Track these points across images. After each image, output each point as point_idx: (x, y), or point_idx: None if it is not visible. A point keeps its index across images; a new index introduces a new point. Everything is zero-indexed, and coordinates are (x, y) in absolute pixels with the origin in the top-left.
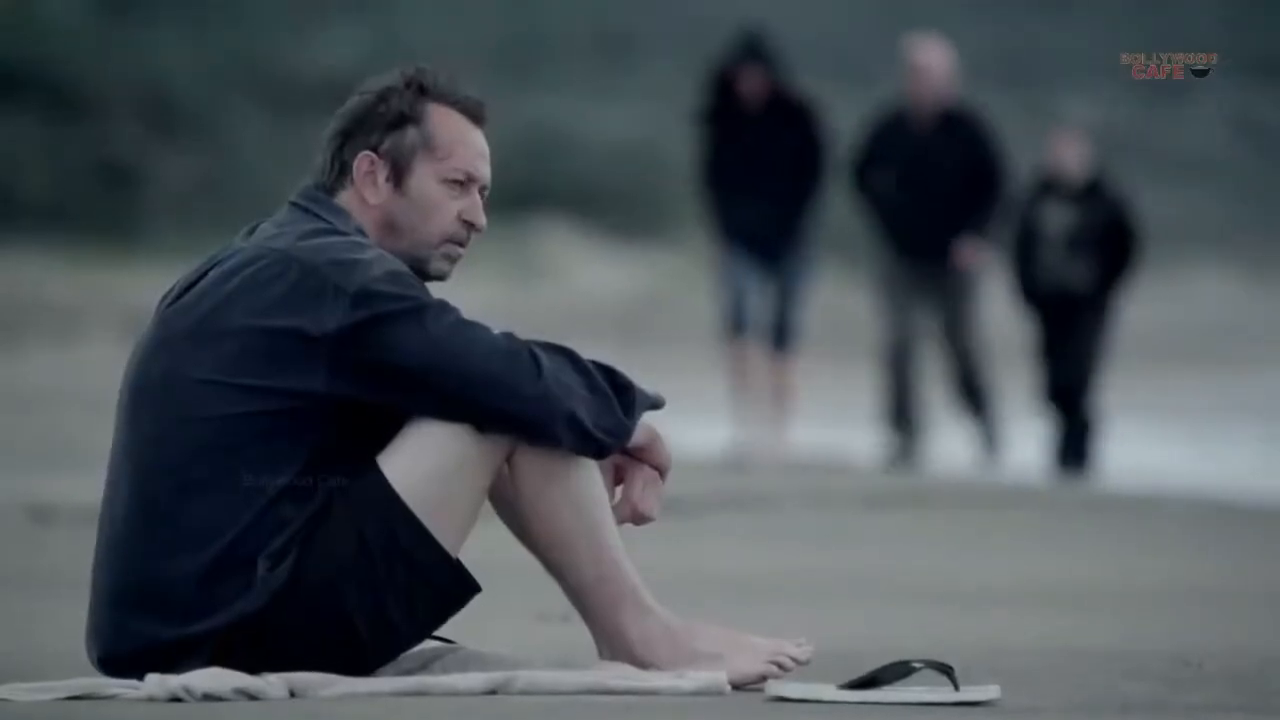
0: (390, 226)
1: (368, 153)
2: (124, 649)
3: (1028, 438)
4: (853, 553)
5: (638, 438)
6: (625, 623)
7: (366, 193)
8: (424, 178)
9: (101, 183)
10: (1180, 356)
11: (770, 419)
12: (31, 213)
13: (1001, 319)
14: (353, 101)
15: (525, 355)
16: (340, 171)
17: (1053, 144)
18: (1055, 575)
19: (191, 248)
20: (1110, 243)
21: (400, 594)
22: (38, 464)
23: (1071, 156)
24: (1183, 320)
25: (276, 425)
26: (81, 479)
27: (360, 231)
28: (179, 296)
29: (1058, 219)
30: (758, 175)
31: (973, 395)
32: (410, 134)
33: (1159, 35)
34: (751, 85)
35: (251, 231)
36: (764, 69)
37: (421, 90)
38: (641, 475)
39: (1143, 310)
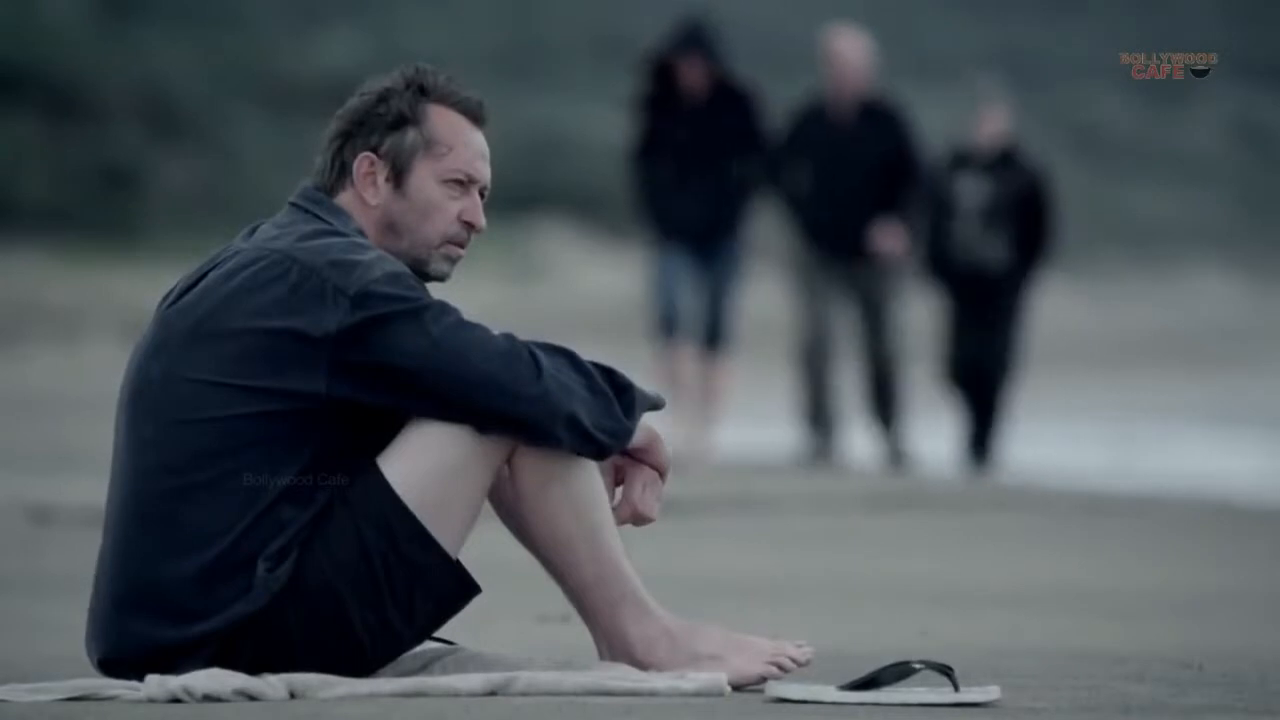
0: (390, 227)
1: (368, 154)
2: (124, 650)
3: (936, 434)
4: (851, 555)
5: (638, 439)
6: (625, 624)
7: (366, 193)
8: (424, 178)
9: (102, 185)
10: (1179, 358)
11: (698, 421)
12: (31, 214)
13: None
14: (353, 102)
15: (525, 356)
16: (340, 172)
17: (977, 116)
18: (1055, 577)
19: (191, 249)
20: (1026, 217)
21: (400, 595)
22: (37, 466)
23: (987, 127)
24: (1182, 322)
25: (276, 427)
26: (81, 481)
27: (360, 232)
28: (179, 298)
29: (972, 191)
30: (695, 168)
31: (885, 406)
32: (410, 135)
33: (1159, 37)
34: (693, 74)
35: (252, 233)
36: (706, 57)
37: (421, 91)
38: (641, 476)
39: (1142, 312)
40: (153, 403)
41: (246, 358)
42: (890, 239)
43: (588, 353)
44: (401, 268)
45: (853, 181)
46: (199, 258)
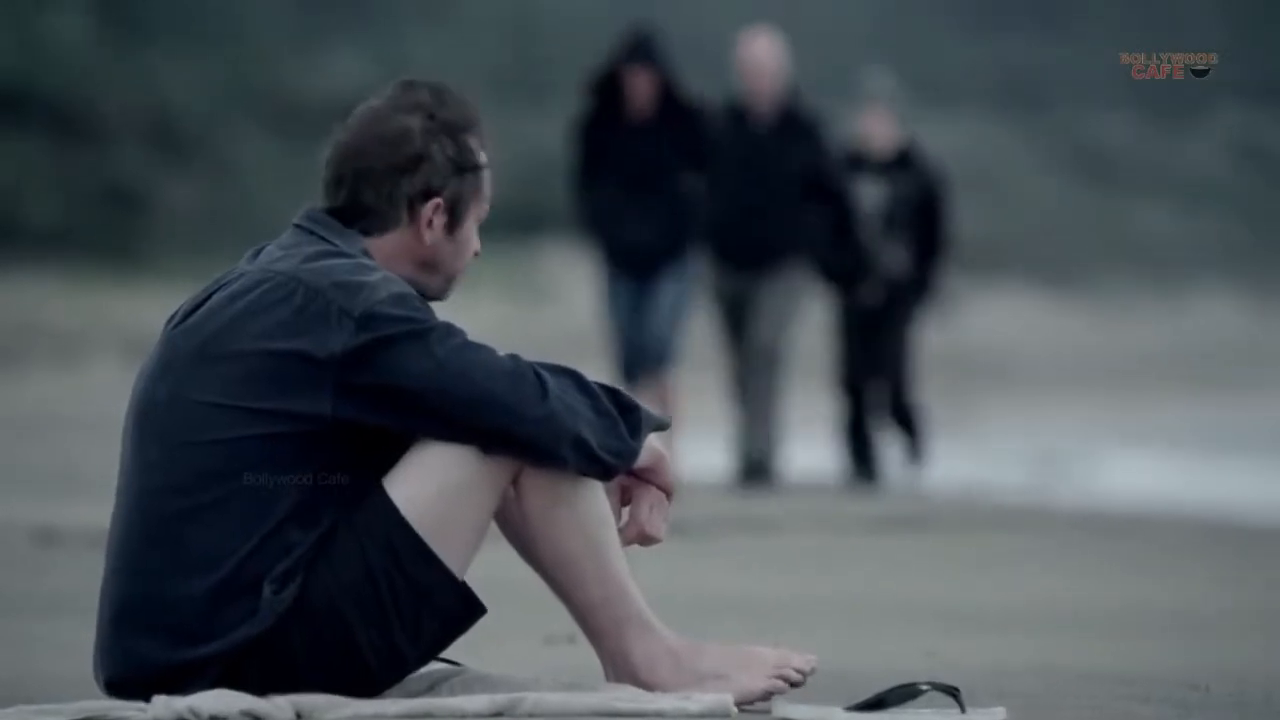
0: (429, 264)
1: (438, 200)
2: (130, 671)
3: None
4: (856, 575)
5: (644, 459)
6: (630, 644)
7: (424, 234)
8: (469, 223)
9: (106, 206)
10: (1183, 379)
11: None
12: (36, 235)
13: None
14: (390, 131)
15: (531, 377)
16: (392, 207)
17: (861, 116)
18: (1059, 597)
19: (196, 271)
20: (925, 221)
21: (406, 616)
22: (41, 487)
23: (877, 129)
24: (1186, 342)
25: (282, 448)
26: (85, 502)
27: (365, 253)
28: (184, 319)
29: (869, 195)
30: (642, 188)
31: (751, 402)
32: (469, 180)
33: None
34: (639, 85)
35: (257, 254)
36: (652, 68)
37: (458, 127)
38: (648, 497)
39: (1146, 332)
40: (158, 424)
41: (252, 379)
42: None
43: (592, 375)
44: (407, 289)
45: (768, 190)
46: (203, 279)
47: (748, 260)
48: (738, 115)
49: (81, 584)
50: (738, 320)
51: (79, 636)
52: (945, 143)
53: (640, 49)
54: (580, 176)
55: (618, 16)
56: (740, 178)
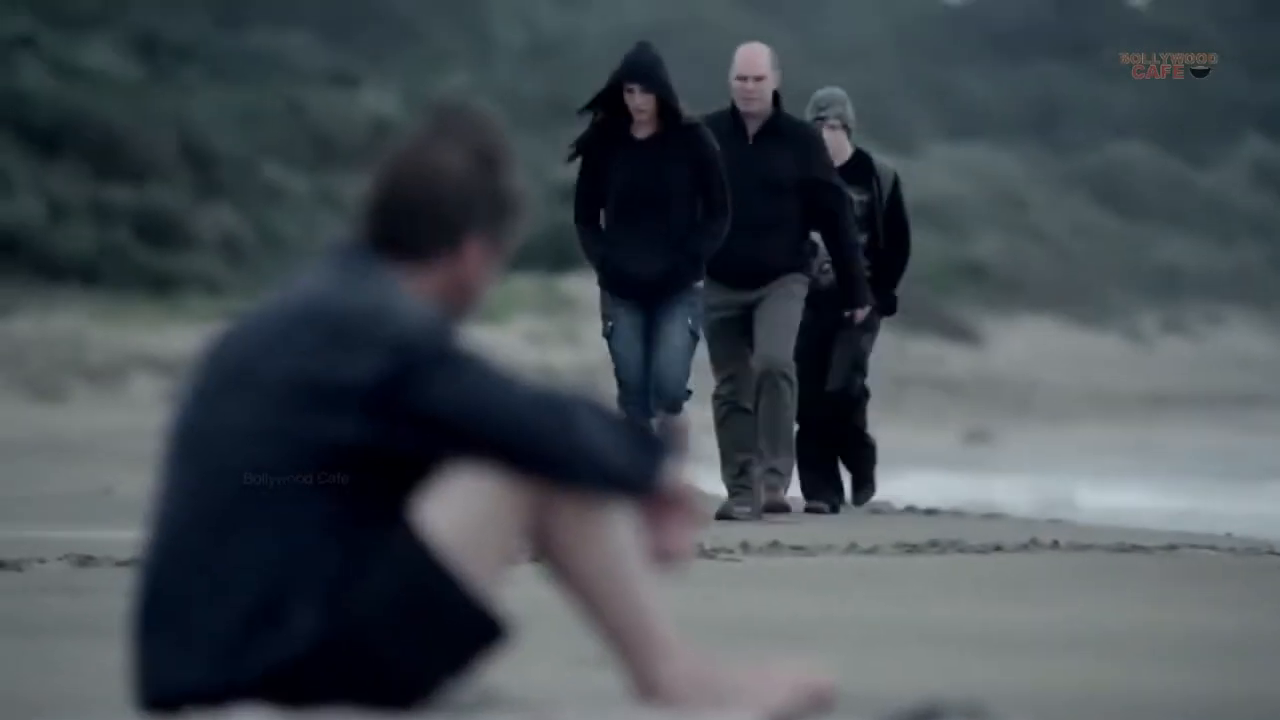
0: (460, 292)
1: (476, 232)
2: (165, 693)
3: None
4: (881, 597)
5: (669, 484)
6: (657, 667)
7: (461, 266)
8: (502, 250)
9: (142, 236)
10: (1207, 405)
11: None
12: (74, 266)
13: None
14: (442, 168)
15: (557, 404)
16: (430, 239)
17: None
18: (1089, 620)
19: (231, 300)
20: (885, 231)
21: (435, 640)
22: (79, 512)
23: (831, 143)
24: (1209, 369)
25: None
26: (121, 526)
27: (398, 283)
28: (218, 347)
29: None
30: (647, 209)
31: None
32: (506, 212)
33: (1188, 91)
34: (640, 101)
35: (290, 283)
36: (652, 85)
37: (500, 161)
38: (672, 521)
39: (1169, 358)
40: (192, 450)
41: (283, 406)
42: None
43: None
44: (437, 317)
45: (760, 203)
46: (238, 308)
47: (745, 278)
48: (729, 128)
49: (117, 607)
50: (734, 341)
51: (115, 659)
52: (969, 171)
53: (639, 70)
54: (580, 200)
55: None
56: (733, 192)
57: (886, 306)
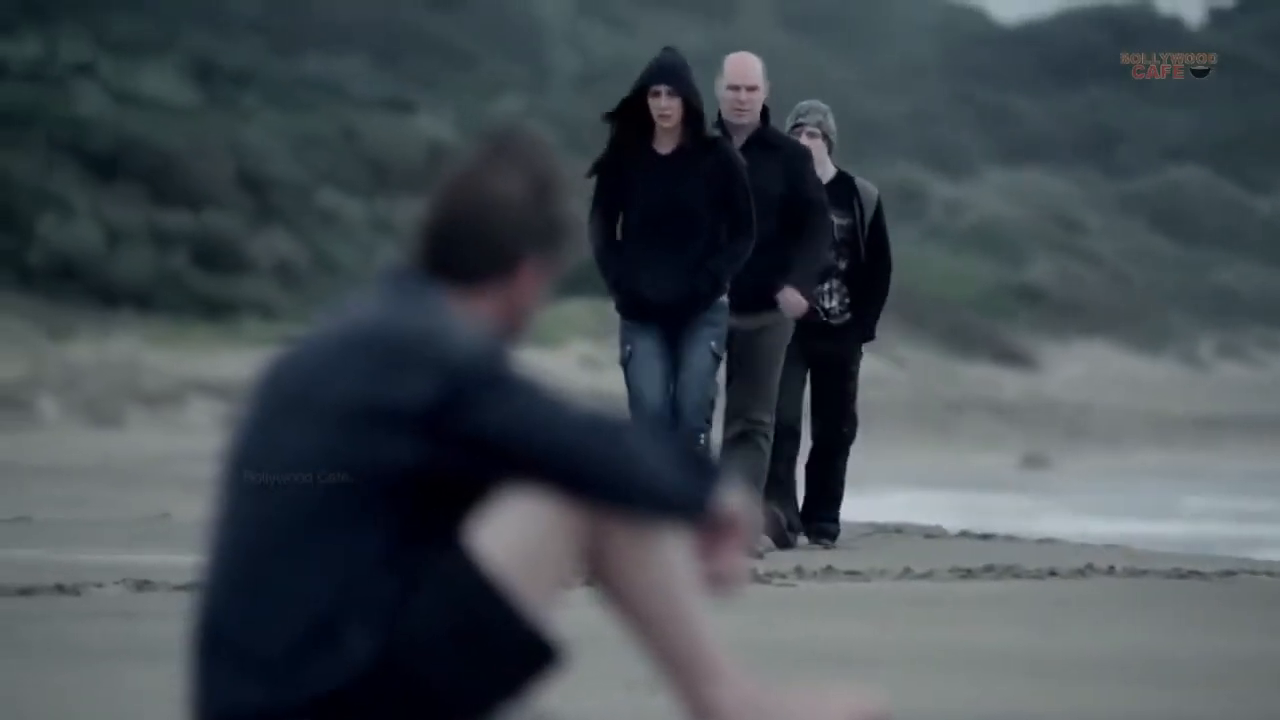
0: (514, 316)
1: (532, 257)
2: (221, 716)
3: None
4: (938, 622)
5: (722, 509)
6: (711, 693)
7: (522, 294)
8: (556, 274)
9: (199, 262)
10: (1266, 429)
11: None
12: (131, 292)
13: None
14: (499, 195)
15: (611, 428)
16: (487, 264)
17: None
18: (1147, 646)
19: (286, 325)
20: (866, 256)
21: (487, 665)
22: (137, 536)
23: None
24: (1268, 392)
25: (365, 498)
26: (179, 550)
27: (452, 307)
28: (274, 372)
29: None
30: (667, 228)
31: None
32: (561, 237)
33: (1245, 113)
34: (667, 110)
35: (344, 307)
36: (679, 90)
37: (556, 187)
38: (726, 546)
39: (1226, 382)
40: (248, 475)
41: (338, 430)
42: (796, 300)
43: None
44: (491, 341)
45: (761, 221)
46: (293, 333)
47: (732, 300)
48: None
49: (174, 631)
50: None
51: (171, 683)
52: (1024, 195)
53: (667, 71)
54: (595, 214)
55: (703, 74)
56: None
57: (865, 335)
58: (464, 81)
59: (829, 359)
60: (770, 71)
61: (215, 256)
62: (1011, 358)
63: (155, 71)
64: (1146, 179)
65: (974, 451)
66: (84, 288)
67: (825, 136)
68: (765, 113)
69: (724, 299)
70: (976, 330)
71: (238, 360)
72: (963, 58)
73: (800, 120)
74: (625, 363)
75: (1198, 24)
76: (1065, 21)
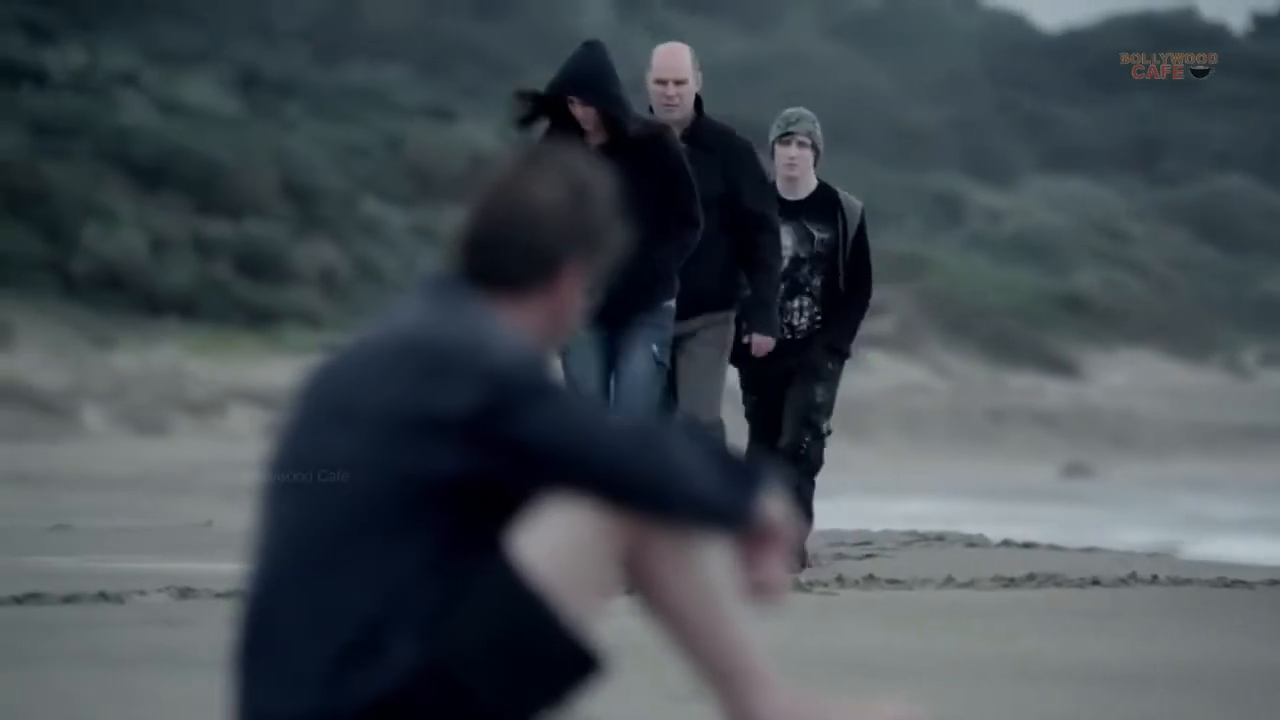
0: (555, 323)
1: (574, 265)
2: None
3: None
4: (981, 632)
5: (764, 518)
6: (754, 702)
7: (563, 301)
8: (596, 280)
9: (242, 270)
10: None
11: None
12: (176, 300)
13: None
14: (541, 203)
15: (652, 437)
16: (529, 273)
17: (777, 155)
18: (1192, 657)
19: (330, 333)
20: (846, 272)
21: (531, 674)
22: (180, 544)
23: (790, 170)
24: None
25: (409, 506)
26: (222, 560)
27: (493, 315)
28: (316, 380)
29: (790, 243)
30: None
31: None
32: (604, 252)
33: None
34: (584, 120)
35: (386, 316)
36: (595, 103)
37: (597, 194)
38: (768, 555)
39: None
40: (291, 484)
41: (380, 439)
42: (764, 344)
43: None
44: (532, 350)
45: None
46: (336, 341)
47: (697, 310)
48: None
49: (217, 639)
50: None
51: (214, 691)
52: (1068, 204)
53: (575, 83)
54: None
55: (745, 83)
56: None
57: (841, 352)
58: (506, 89)
59: (793, 370)
60: (813, 80)
61: (259, 265)
62: (1054, 366)
63: (199, 81)
64: (1191, 187)
65: (1017, 460)
66: (128, 297)
67: (814, 147)
68: (699, 104)
69: (670, 303)
70: (1019, 339)
71: (281, 368)
72: (1005, 66)
73: (790, 130)
74: (563, 354)
75: (1241, 30)
76: (1107, 29)
